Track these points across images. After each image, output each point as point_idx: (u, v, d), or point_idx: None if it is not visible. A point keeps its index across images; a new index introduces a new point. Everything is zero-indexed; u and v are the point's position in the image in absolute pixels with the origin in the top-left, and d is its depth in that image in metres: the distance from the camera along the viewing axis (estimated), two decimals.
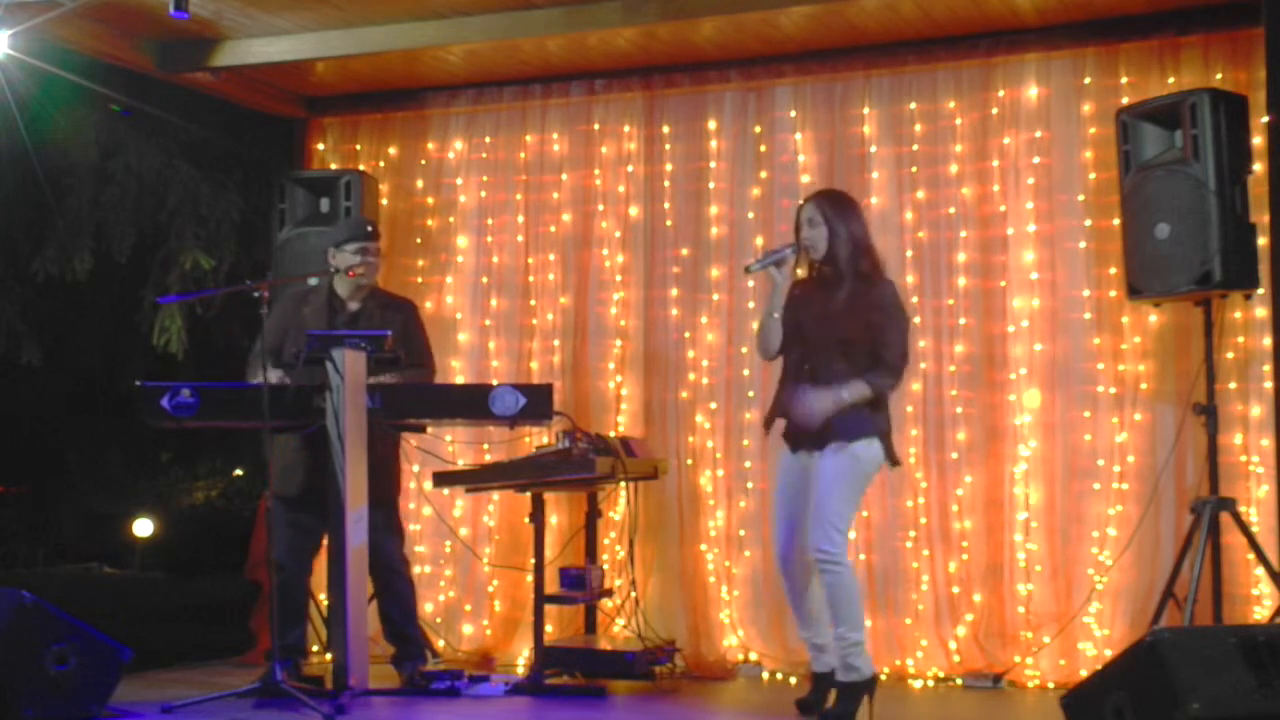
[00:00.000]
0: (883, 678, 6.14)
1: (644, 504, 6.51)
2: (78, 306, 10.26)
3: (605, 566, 6.43)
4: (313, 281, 6.10)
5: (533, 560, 5.88)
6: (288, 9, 6.26)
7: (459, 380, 6.93)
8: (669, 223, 6.79)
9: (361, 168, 7.16)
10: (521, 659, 6.55)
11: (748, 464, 6.54)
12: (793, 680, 6.14)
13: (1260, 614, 5.71)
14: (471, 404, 5.80)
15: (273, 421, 5.37)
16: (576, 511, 6.55)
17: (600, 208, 6.91)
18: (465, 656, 6.67)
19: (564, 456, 5.80)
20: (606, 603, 6.34)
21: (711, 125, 6.76)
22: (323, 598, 6.36)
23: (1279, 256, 5.44)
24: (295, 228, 6.87)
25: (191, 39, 6.58)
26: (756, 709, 5.72)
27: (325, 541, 5.86)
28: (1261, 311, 5.76)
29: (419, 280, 7.13)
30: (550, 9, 6.19)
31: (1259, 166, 5.62)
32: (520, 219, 7.05)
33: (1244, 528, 5.57)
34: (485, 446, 6.82)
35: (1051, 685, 5.88)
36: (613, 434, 6.45)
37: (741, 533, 6.53)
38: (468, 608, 6.87)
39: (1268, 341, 5.66)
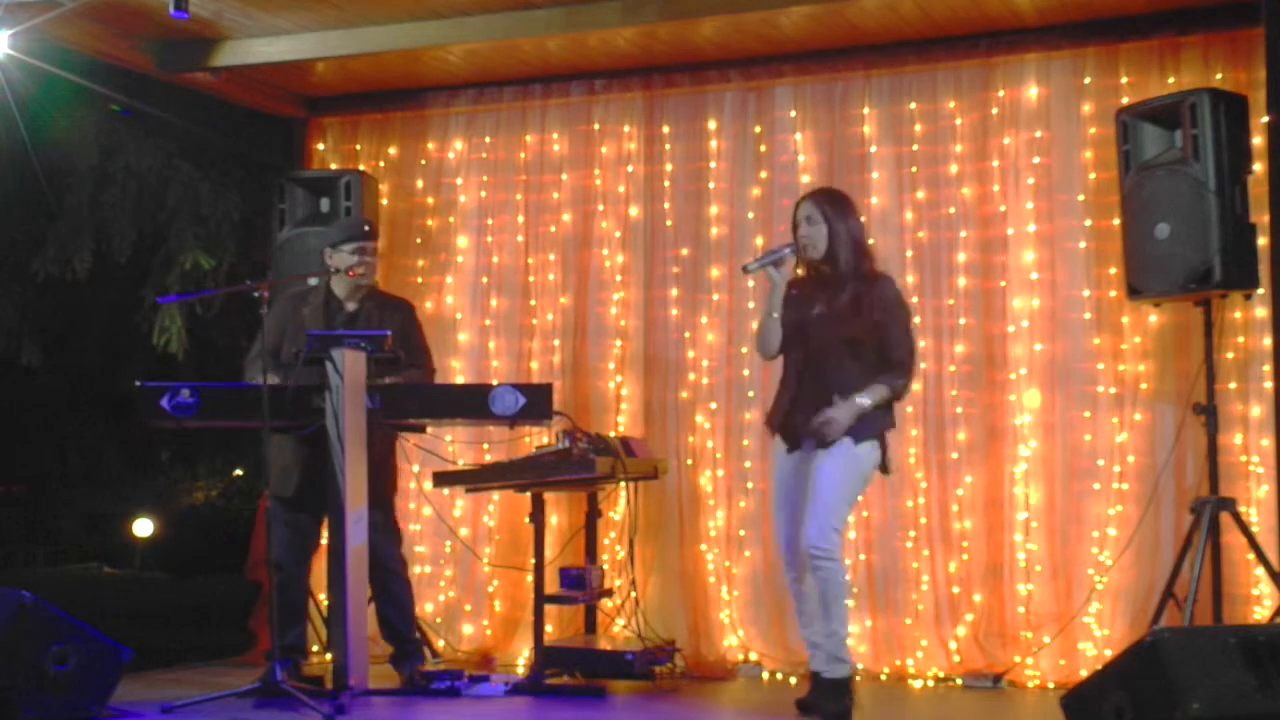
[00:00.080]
0: (883, 678, 6.18)
1: (644, 504, 6.51)
2: (78, 306, 10.28)
3: (605, 566, 6.43)
4: (313, 282, 6.10)
5: (533, 560, 5.88)
6: (288, 9, 6.26)
7: (459, 380, 6.93)
8: (669, 223, 6.79)
9: (361, 168, 7.16)
10: (521, 659, 6.55)
11: (748, 464, 6.54)
12: (793, 680, 6.14)
13: (1260, 614, 5.70)
14: (471, 404, 5.80)
15: (272, 421, 5.37)
16: (576, 511, 6.55)
17: (600, 208, 6.91)
18: (465, 656, 6.67)
19: (564, 456, 5.80)
20: (606, 603, 6.34)
21: (711, 125, 6.76)
22: (323, 598, 6.36)
23: (1279, 256, 5.43)
24: (295, 228, 6.86)
25: (191, 39, 6.58)
26: (756, 709, 5.72)
27: (324, 541, 5.87)
28: (1261, 311, 5.76)
29: (419, 280, 7.13)
30: (550, 9, 6.19)
31: (1259, 166, 5.62)
32: (520, 219, 7.05)
33: (1244, 528, 5.56)
34: (485, 446, 6.82)
35: (1051, 685, 5.88)
36: (613, 434, 6.45)
37: (741, 533, 6.53)
38: (468, 608, 6.87)
39: (1268, 341, 5.66)
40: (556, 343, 6.91)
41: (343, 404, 5.42)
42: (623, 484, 6.30)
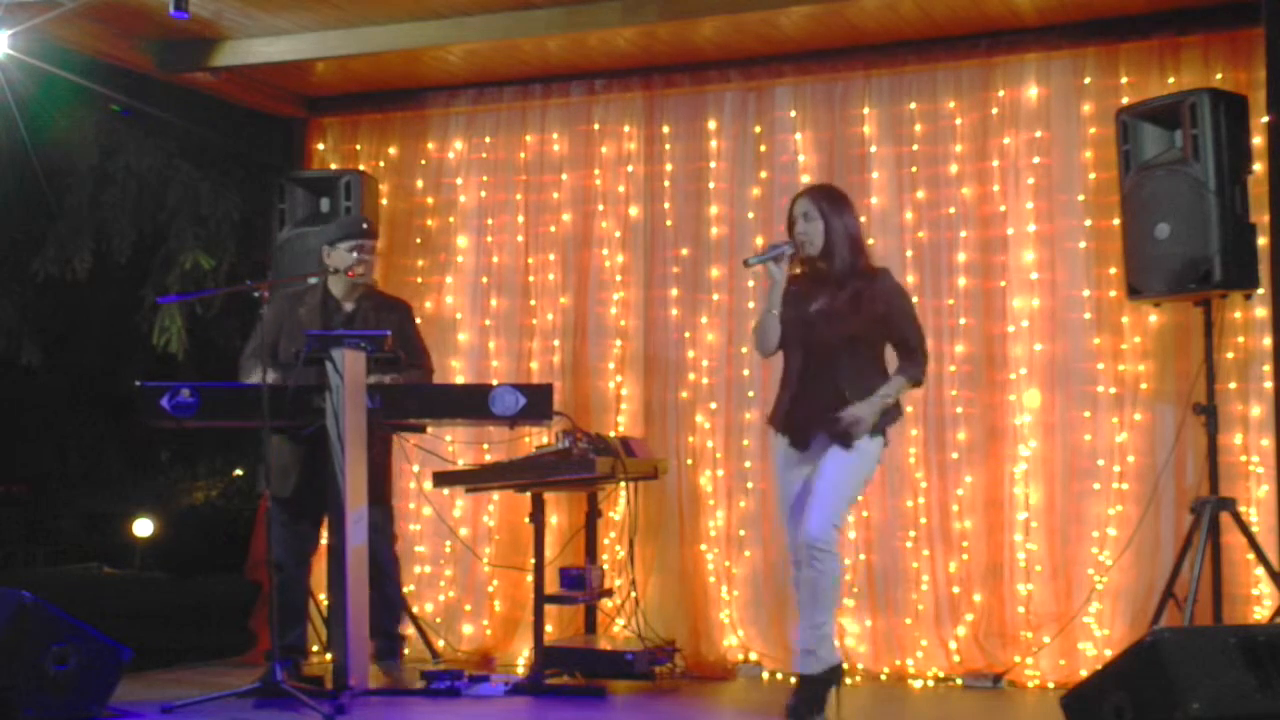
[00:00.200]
0: (883, 678, 6.18)
1: (644, 504, 6.51)
2: (78, 306, 10.28)
3: (605, 566, 6.43)
4: (312, 281, 6.10)
5: (533, 560, 5.88)
6: (288, 9, 6.26)
7: (459, 380, 6.93)
8: (669, 223, 6.78)
9: (361, 168, 7.16)
10: (521, 659, 6.55)
11: (748, 464, 6.54)
12: (792, 680, 6.12)
13: (1260, 614, 5.70)
14: (471, 404, 5.80)
15: (272, 421, 5.37)
16: (576, 511, 6.54)
17: (600, 208, 6.91)
18: (465, 656, 6.67)
19: (564, 456, 5.80)
20: (606, 603, 6.34)
21: (711, 125, 6.76)
22: (322, 598, 6.36)
23: (1279, 256, 5.43)
24: (295, 228, 6.87)
25: (191, 39, 6.58)
26: (756, 709, 5.71)
27: (323, 541, 5.86)
28: (1261, 311, 5.76)
29: (419, 280, 7.13)
30: (550, 9, 6.19)
31: (1259, 166, 5.62)
32: (520, 219, 7.05)
33: (1244, 528, 5.56)
34: (485, 446, 6.82)
35: (1051, 685, 5.88)
36: (613, 434, 6.45)
37: (741, 533, 6.53)
38: (468, 608, 6.87)
39: (1268, 341, 5.66)
40: (556, 343, 6.91)
41: (343, 404, 5.42)
42: (623, 484, 6.29)
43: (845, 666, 5.36)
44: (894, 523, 6.29)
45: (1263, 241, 5.55)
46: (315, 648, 6.41)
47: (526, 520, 5.97)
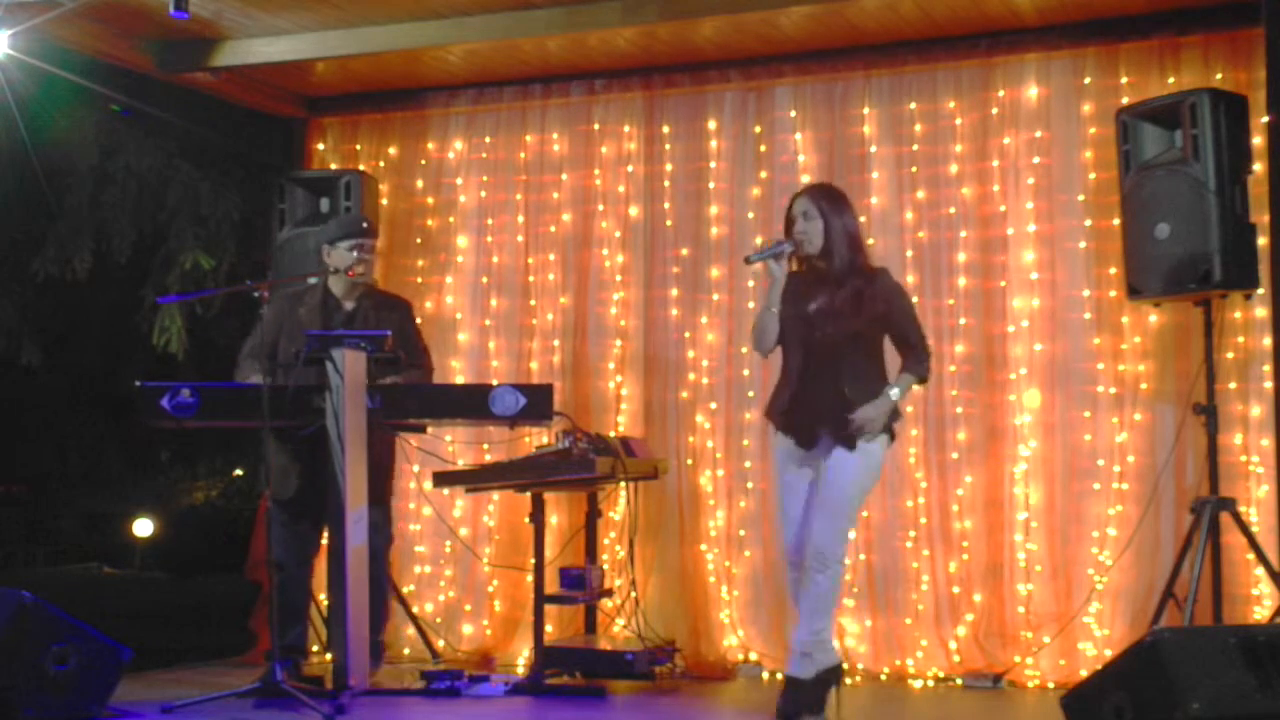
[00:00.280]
0: (883, 678, 6.18)
1: (644, 504, 6.51)
2: (78, 306, 10.28)
3: (605, 566, 6.43)
4: (312, 281, 6.10)
5: (533, 560, 5.88)
6: (288, 9, 6.26)
7: (459, 380, 6.93)
8: (669, 223, 6.79)
9: (361, 168, 7.16)
10: (521, 659, 6.55)
11: (748, 464, 6.54)
12: (779, 677, 6.12)
13: (1260, 614, 5.71)
14: (471, 404, 5.80)
15: (272, 421, 5.37)
16: (576, 511, 6.54)
17: (600, 208, 6.91)
18: (465, 656, 6.67)
19: (564, 456, 5.80)
20: (606, 603, 6.34)
21: (711, 125, 6.76)
22: (322, 598, 6.36)
23: (1279, 256, 5.43)
24: (295, 228, 6.87)
25: (191, 39, 6.58)
26: (756, 709, 5.70)
27: (324, 541, 5.86)
28: (1261, 311, 5.76)
29: (419, 280, 7.13)
30: (550, 9, 6.19)
31: (1259, 166, 5.62)
32: (520, 219, 7.05)
33: (1244, 528, 5.56)
34: (485, 446, 6.82)
35: (1051, 685, 5.88)
36: (613, 434, 6.45)
37: (741, 533, 6.53)
38: (468, 608, 6.87)
39: (1268, 341, 5.66)
40: (556, 343, 6.91)
41: (343, 404, 5.42)
42: (623, 484, 6.30)
43: (845, 666, 5.38)
44: (894, 523, 6.29)
45: (1263, 241, 5.55)
46: (315, 648, 6.41)
47: (526, 520, 5.97)
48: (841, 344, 5.09)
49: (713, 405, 6.63)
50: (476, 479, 6.13)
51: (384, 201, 7.16)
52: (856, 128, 6.52)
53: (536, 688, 5.73)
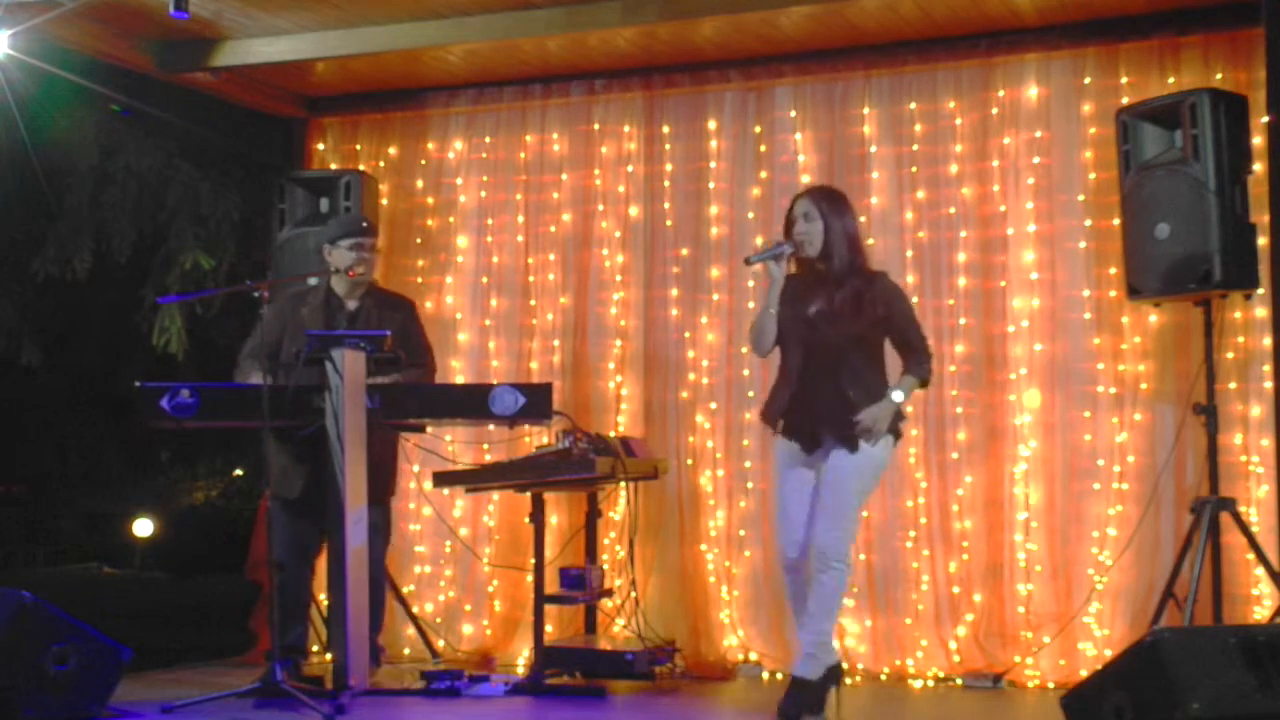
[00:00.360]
0: (883, 678, 6.18)
1: (644, 504, 6.51)
2: (78, 306, 10.29)
3: (605, 566, 6.43)
4: (313, 281, 6.10)
5: (533, 560, 5.88)
6: (288, 9, 6.26)
7: (459, 380, 6.93)
8: (669, 223, 6.78)
9: (361, 168, 7.16)
10: (521, 659, 6.55)
11: (748, 464, 6.54)
12: (779, 677, 6.12)
13: (1260, 614, 5.70)
14: (471, 404, 5.79)
15: (272, 421, 5.37)
16: (576, 511, 6.54)
17: (600, 208, 6.91)
18: (465, 656, 6.67)
19: (564, 456, 5.80)
20: (606, 603, 6.34)
21: (711, 125, 6.76)
22: (323, 598, 6.36)
23: (1279, 256, 5.43)
24: (295, 228, 6.86)
25: (191, 39, 6.58)
26: (756, 709, 5.70)
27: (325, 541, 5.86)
28: (1261, 311, 5.76)
29: (419, 280, 7.13)
30: (550, 9, 6.19)
31: (1259, 166, 5.62)
32: (520, 219, 7.05)
33: (1244, 528, 5.56)
34: (485, 446, 6.82)
35: (1051, 685, 5.88)
36: (613, 434, 6.45)
37: (741, 533, 6.53)
38: (468, 608, 6.87)
39: (1268, 341, 5.66)
40: (556, 343, 6.91)
41: (343, 404, 5.42)
42: (623, 484, 6.29)
43: (845, 666, 5.38)
44: (894, 523, 6.29)
45: (1263, 241, 5.55)
46: (315, 648, 6.41)
47: (526, 520, 5.97)
48: (842, 346, 5.10)
49: (713, 405, 6.63)
50: (476, 479, 6.13)
51: (384, 201, 7.16)
52: (856, 128, 6.52)
53: (536, 688, 5.73)
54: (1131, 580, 5.94)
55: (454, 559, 6.95)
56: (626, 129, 6.89)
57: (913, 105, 6.44)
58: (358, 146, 7.35)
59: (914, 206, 6.42)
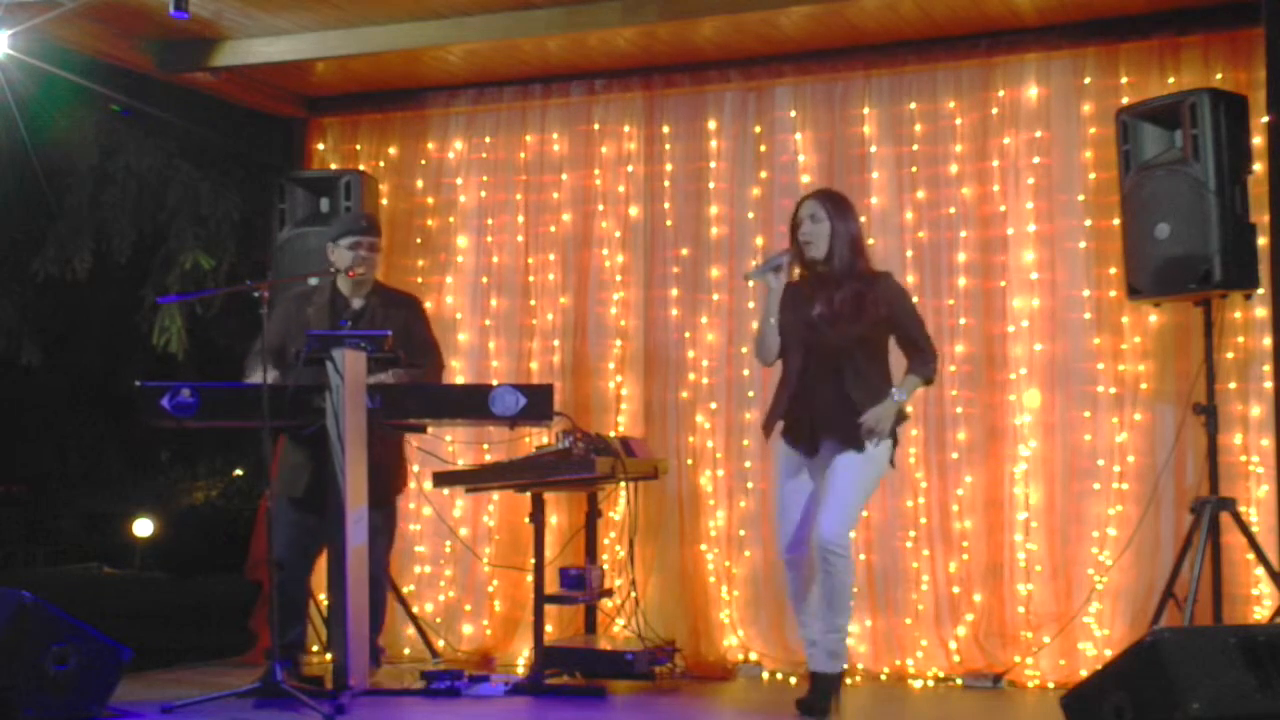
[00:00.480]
0: (883, 678, 6.18)
1: (644, 504, 6.50)
2: (78, 306, 10.29)
3: (605, 566, 6.43)
4: (313, 281, 6.10)
5: (533, 560, 5.88)
6: (288, 9, 6.26)
7: (459, 380, 6.93)
8: (669, 223, 6.78)
9: (361, 168, 7.16)
10: (521, 659, 6.55)
11: (748, 464, 6.54)
12: (793, 680, 6.14)
13: (1260, 614, 5.70)
14: (471, 404, 5.79)
15: (272, 421, 5.37)
16: (576, 511, 6.54)
17: (600, 208, 6.91)
18: (465, 656, 6.67)
19: (564, 456, 5.80)
20: (606, 603, 6.34)
21: (711, 125, 6.76)
22: (323, 598, 6.36)
23: (1279, 256, 5.43)
24: (295, 228, 6.86)
25: (191, 39, 6.58)
26: (756, 709, 5.72)
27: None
28: (1261, 311, 5.76)
29: (419, 280, 7.13)
30: (550, 9, 6.19)
31: (1259, 166, 5.61)
32: (520, 219, 7.05)
33: (1244, 528, 5.56)
34: (485, 446, 6.82)
35: (1051, 685, 5.88)
36: (613, 434, 6.45)
37: (741, 533, 6.53)
38: (468, 608, 6.87)
39: (1268, 341, 5.66)
40: (556, 343, 6.91)
41: (343, 404, 5.42)
42: (623, 484, 6.29)
43: (845, 666, 5.38)
44: (894, 523, 6.29)
45: (1263, 241, 5.55)
46: (315, 648, 6.40)
47: (526, 520, 5.97)
48: (844, 347, 5.12)
49: (713, 405, 6.63)
50: (476, 479, 6.13)
51: (384, 201, 7.16)
52: (856, 128, 6.52)
53: (536, 688, 5.73)
54: (1131, 580, 5.94)
55: (454, 559, 6.95)
56: (626, 129, 6.89)
57: (913, 105, 6.44)
58: (358, 146, 7.35)
59: (914, 206, 6.42)
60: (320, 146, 7.43)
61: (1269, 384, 5.73)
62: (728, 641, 6.45)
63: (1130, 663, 4.30)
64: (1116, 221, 5.95)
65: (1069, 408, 6.14)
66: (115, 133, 8.52)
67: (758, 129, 6.66)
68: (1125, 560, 5.93)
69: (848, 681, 5.50)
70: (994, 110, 6.33)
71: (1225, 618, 5.55)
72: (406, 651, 6.75)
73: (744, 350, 6.55)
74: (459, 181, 7.16)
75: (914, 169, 6.42)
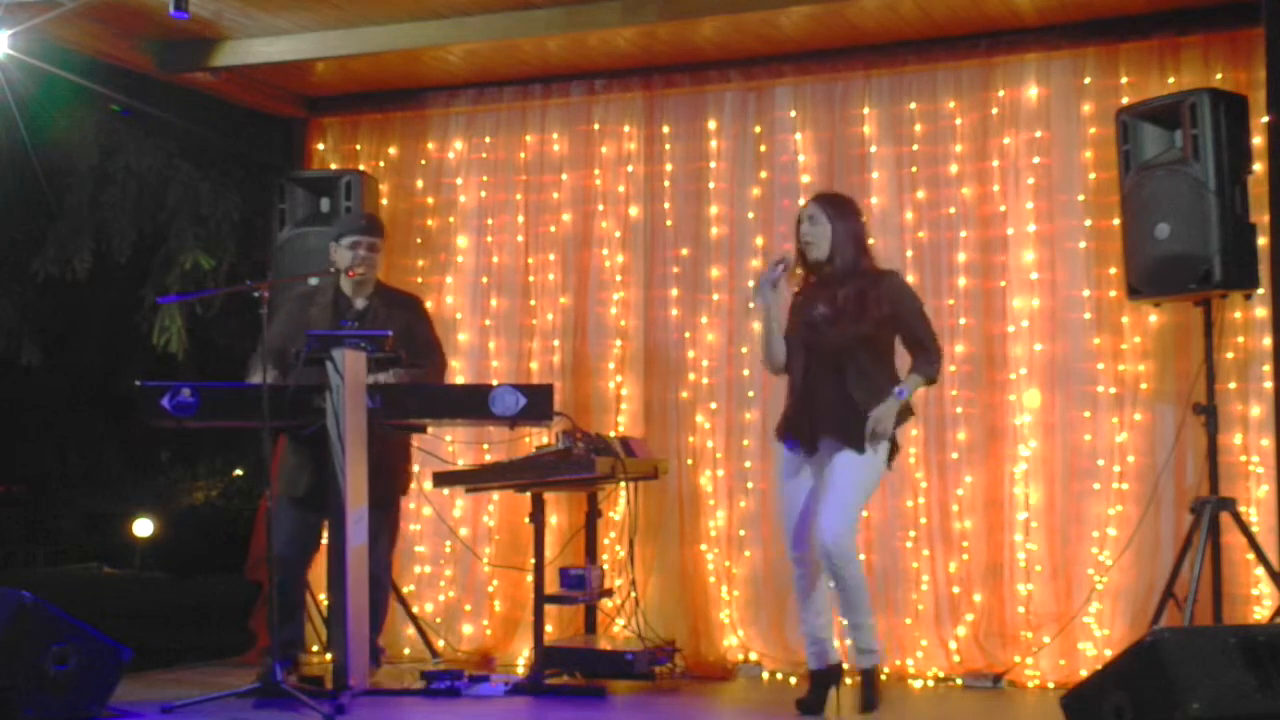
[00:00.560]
0: (883, 678, 6.16)
1: (644, 504, 6.51)
2: (78, 306, 10.29)
3: (605, 566, 6.43)
4: (313, 281, 6.10)
5: (533, 560, 5.88)
6: (288, 9, 6.26)
7: (459, 380, 6.93)
8: (669, 223, 6.79)
9: (361, 168, 7.16)
10: (521, 659, 6.55)
11: (748, 464, 6.54)
12: (792, 680, 6.14)
13: (1260, 614, 5.71)
14: (471, 404, 5.79)
15: (273, 421, 5.37)
16: (576, 511, 6.54)
17: (600, 208, 6.91)
18: (465, 656, 6.67)
19: (564, 456, 5.80)
20: (606, 603, 6.34)
21: (711, 125, 6.76)
22: (323, 598, 6.36)
23: (1279, 256, 5.43)
24: (295, 228, 6.86)
25: (191, 39, 6.58)
26: (756, 709, 5.72)
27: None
28: (1261, 311, 5.76)
29: (419, 280, 7.13)
30: (550, 9, 6.19)
31: (1259, 166, 5.62)
32: (520, 219, 7.05)
33: (1244, 528, 5.56)
34: (485, 446, 6.82)
35: (1051, 685, 5.88)
36: (613, 434, 6.45)
37: (741, 533, 6.53)
38: (468, 608, 6.87)
39: (1268, 341, 5.66)
40: (556, 343, 6.91)
41: (343, 404, 5.42)
42: (623, 484, 6.29)
43: (845, 666, 5.39)
44: (894, 523, 6.29)
45: (1263, 241, 5.55)
46: (315, 648, 6.40)
47: (526, 520, 5.97)
48: (845, 347, 5.13)
49: (713, 405, 6.63)
50: (476, 479, 6.13)
51: (384, 201, 7.16)
52: (856, 128, 6.52)
53: (536, 688, 5.73)
54: (1131, 580, 5.94)
55: (454, 559, 6.95)
56: (626, 129, 6.89)
57: (913, 105, 6.44)
58: (358, 146, 7.35)
59: (914, 206, 6.42)
60: (320, 146, 7.43)
61: (1269, 384, 5.73)
62: (728, 641, 6.45)
63: (1130, 663, 4.30)
64: (1116, 221, 5.95)
65: (1069, 408, 6.14)
66: (115, 133, 8.51)
67: (758, 129, 6.67)
68: (1125, 560, 5.93)
69: (847, 681, 5.50)
70: (994, 110, 6.33)
71: (1225, 618, 5.55)
72: (406, 651, 6.75)
73: (744, 350, 6.55)
74: (459, 181, 7.16)
75: (914, 169, 6.42)
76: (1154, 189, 5.66)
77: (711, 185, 6.73)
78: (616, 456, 5.91)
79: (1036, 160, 6.25)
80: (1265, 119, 5.49)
